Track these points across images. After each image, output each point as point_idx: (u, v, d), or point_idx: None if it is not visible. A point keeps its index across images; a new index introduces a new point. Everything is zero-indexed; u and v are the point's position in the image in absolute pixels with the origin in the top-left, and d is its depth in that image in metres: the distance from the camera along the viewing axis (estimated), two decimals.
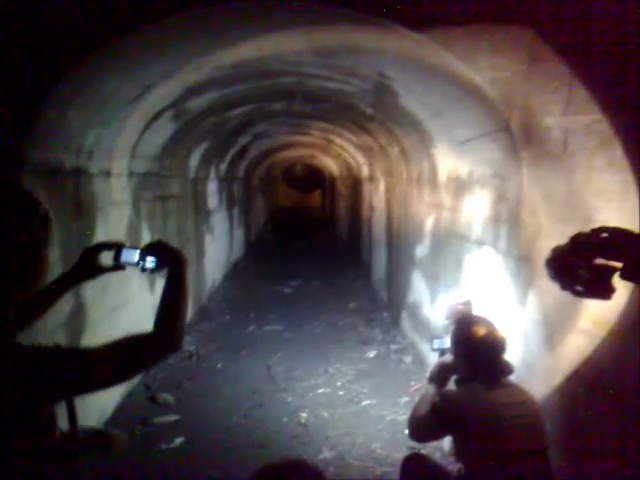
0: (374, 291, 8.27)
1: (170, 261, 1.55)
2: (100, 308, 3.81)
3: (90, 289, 3.59)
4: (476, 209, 3.75)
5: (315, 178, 23.05)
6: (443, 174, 4.56)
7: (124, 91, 3.46)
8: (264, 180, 16.91)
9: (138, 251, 1.63)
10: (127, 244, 1.68)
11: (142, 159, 4.66)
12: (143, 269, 1.62)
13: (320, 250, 12.68)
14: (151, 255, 1.60)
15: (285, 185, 24.72)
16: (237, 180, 10.92)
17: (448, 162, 4.36)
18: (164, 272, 1.59)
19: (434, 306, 4.85)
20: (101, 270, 1.69)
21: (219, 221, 8.87)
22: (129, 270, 1.68)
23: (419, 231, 5.40)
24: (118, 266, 1.66)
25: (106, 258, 1.67)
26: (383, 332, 6.39)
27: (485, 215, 3.56)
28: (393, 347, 5.85)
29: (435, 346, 2.62)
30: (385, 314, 7.09)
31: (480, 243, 3.66)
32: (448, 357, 2.45)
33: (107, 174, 3.92)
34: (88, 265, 1.66)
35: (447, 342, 2.51)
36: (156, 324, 1.47)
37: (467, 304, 2.84)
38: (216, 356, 5.59)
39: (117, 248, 1.66)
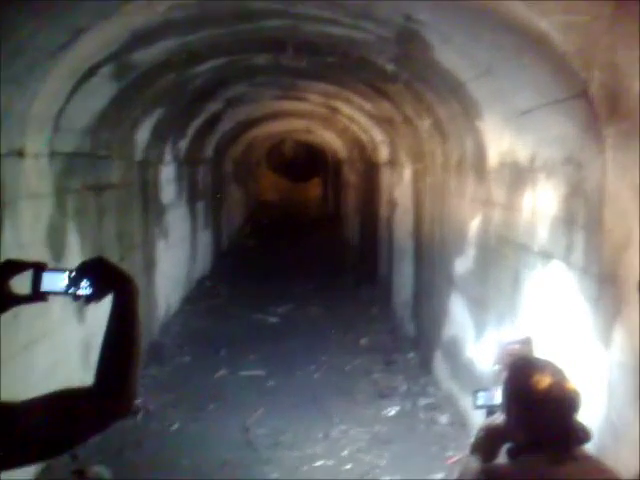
0: (396, 321, 8.28)
1: (115, 288, 1.56)
2: (9, 344, 3.79)
3: None
4: (540, 208, 3.76)
5: (313, 161, 23.17)
6: (494, 158, 4.58)
7: (44, 37, 3.46)
8: (242, 164, 16.98)
9: (66, 274, 1.62)
10: (50, 264, 1.67)
11: (69, 133, 4.67)
12: (75, 297, 1.62)
13: (320, 262, 12.71)
14: (87, 278, 1.60)
15: (271, 171, 24.83)
16: (203, 163, 10.96)
17: (501, 141, 4.38)
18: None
19: (481, 344, 4.85)
20: (12, 301, 1.67)
21: (177, 221, 8.89)
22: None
23: (460, 237, 5.41)
24: (38, 296, 1.65)
25: (21, 283, 1.67)
26: (408, 380, 6.39)
27: (553, 216, 3.56)
28: (422, 401, 5.86)
29: (480, 402, 2.61)
30: (411, 354, 7.09)
31: (546, 255, 3.67)
32: (498, 418, 2.44)
33: (19, 154, 3.93)
34: None
35: (497, 397, 2.50)
36: (97, 377, 1.47)
37: (526, 343, 2.83)
38: (171, 413, 5.59)
39: (36, 270, 1.64)
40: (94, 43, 3.94)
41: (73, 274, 1.62)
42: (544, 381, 2.20)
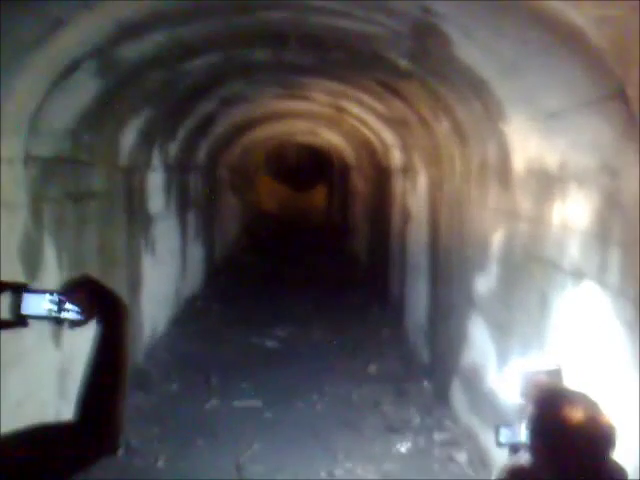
0: (408, 346, 8.27)
1: (103, 311, 1.57)
2: None
3: None
4: (571, 220, 3.75)
5: (317, 167, 23.21)
6: (519, 164, 4.58)
7: (21, 29, 3.48)
8: (238, 170, 17.01)
9: (47, 296, 1.62)
10: (24, 281, 1.67)
11: (47, 136, 4.68)
12: (59, 321, 1.62)
13: (324, 279, 12.71)
14: (72, 300, 1.60)
15: (270, 178, 24.86)
16: (195, 170, 10.98)
17: (527, 146, 4.38)
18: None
19: (504, 373, 4.82)
20: None
21: (166, 233, 8.89)
22: None
23: (481, 252, 5.40)
24: (18, 320, 1.64)
25: None
26: (422, 412, 6.38)
27: (585, 231, 3.56)
28: (438, 437, 5.84)
29: (503, 439, 2.59)
30: (425, 383, 7.08)
31: (577, 274, 3.65)
32: (523, 456, 2.42)
33: None
34: None
35: (522, 433, 2.49)
36: (79, 410, 1.47)
37: (555, 373, 2.81)
38: (156, 447, 5.59)
39: (16, 292, 1.64)
40: (76, 35, 3.96)
41: (57, 295, 1.62)
42: (575, 415, 2.18)
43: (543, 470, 2.28)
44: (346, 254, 15.70)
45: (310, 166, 23.82)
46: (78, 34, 3.96)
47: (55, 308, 1.62)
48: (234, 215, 17.19)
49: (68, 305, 1.61)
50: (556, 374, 2.80)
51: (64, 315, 1.61)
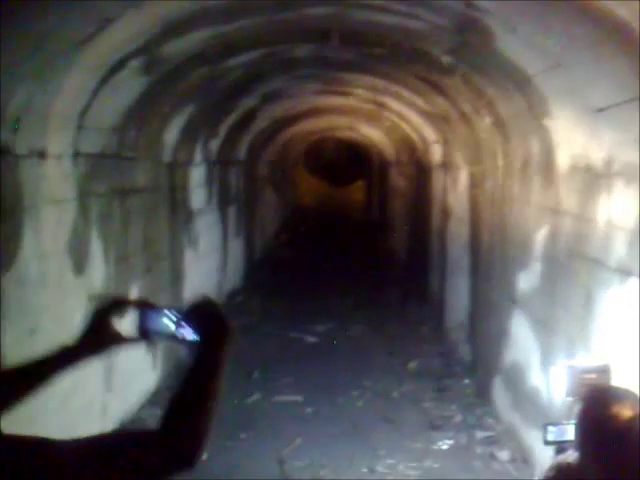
0: (448, 343, 8.22)
1: (215, 336, 1.62)
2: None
3: (11, 331, 3.66)
4: (617, 218, 3.71)
5: (356, 163, 23.18)
6: (564, 160, 4.53)
7: (70, 28, 3.54)
8: (277, 166, 17.07)
9: (168, 314, 1.69)
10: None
11: (94, 132, 4.76)
12: (175, 339, 1.68)
13: (363, 275, 12.68)
14: (192, 321, 1.66)
15: (309, 173, 24.91)
16: (235, 165, 11.05)
17: (572, 142, 4.33)
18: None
19: (548, 371, 4.78)
20: (117, 341, 1.77)
21: (207, 228, 8.97)
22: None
23: (523, 250, 5.36)
24: (143, 336, 1.73)
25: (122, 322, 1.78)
26: (463, 410, 6.34)
27: (633, 228, 3.51)
28: (479, 434, 5.81)
29: (551, 437, 2.57)
30: (466, 380, 7.04)
31: (623, 272, 3.61)
32: (571, 456, 2.41)
33: (41, 155, 4.01)
34: (99, 334, 1.73)
35: (570, 432, 2.47)
36: (165, 422, 1.49)
37: (604, 371, 2.79)
38: None
39: (142, 310, 1.73)
40: (123, 34, 4.02)
41: (176, 314, 1.68)
42: (624, 414, 2.16)
43: (590, 469, 2.27)
44: (385, 251, 15.65)
45: (349, 162, 23.82)
46: (125, 32, 4.02)
47: (173, 326, 1.68)
48: (273, 210, 17.27)
49: (186, 326, 1.66)
50: (604, 372, 2.77)
51: (186, 335, 1.67)
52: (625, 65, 3.19)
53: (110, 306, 1.75)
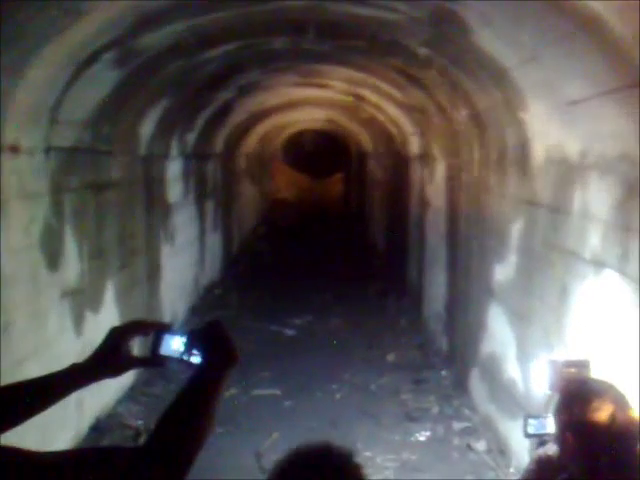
0: (426, 335, 8.27)
1: (217, 359, 1.62)
2: None
3: None
4: (592, 210, 3.74)
5: (335, 155, 23.16)
6: (539, 153, 4.56)
7: (43, 21, 3.50)
8: (255, 158, 17.02)
9: (184, 340, 1.70)
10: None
11: (67, 126, 4.71)
12: (187, 364, 1.68)
13: (342, 268, 12.70)
14: (201, 345, 1.67)
15: (288, 166, 24.85)
16: (212, 158, 11.00)
17: (547, 134, 4.35)
18: None
19: (524, 363, 4.82)
20: (131, 364, 1.77)
21: (184, 222, 8.93)
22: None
23: (500, 241, 5.38)
24: (157, 360, 1.74)
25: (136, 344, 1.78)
26: (441, 401, 6.38)
27: (607, 220, 3.54)
28: (457, 426, 5.84)
29: (531, 430, 2.58)
30: (444, 372, 7.08)
31: (598, 264, 3.64)
32: (551, 448, 2.42)
33: (13, 150, 3.97)
34: (114, 355, 1.73)
35: (550, 425, 2.48)
36: (156, 436, 1.47)
37: (584, 365, 2.80)
38: None
39: (158, 333, 1.73)
40: (96, 27, 3.97)
41: (187, 337, 1.69)
42: (604, 408, 2.18)
43: (571, 462, 2.28)
44: (363, 242, 15.68)
45: (327, 154, 23.78)
46: (98, 25, 3.97)
47: (183, 350, 1.69)
48: (251, 203, 17.22)
49: (195, 349, 1.67)
50: (585, 367, 2.79)
51: (192, 359, 1.67)
52: (598, 59, 3.21)
53: (126, 328, 1.76)
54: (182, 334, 1.70)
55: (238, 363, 1.62)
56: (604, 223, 3.58)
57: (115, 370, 1.74)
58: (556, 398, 2.53)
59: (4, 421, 1.62)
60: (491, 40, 4.19)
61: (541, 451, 2.52)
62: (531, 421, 2.62)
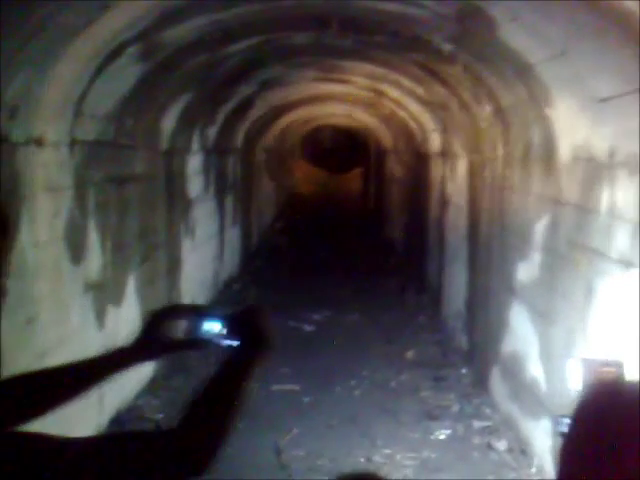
0: (446, 332, 8.23)
1: (250, 345, 1.64)
2: (22, 352, 3.85)
3: (7, 321, 3.64)
4: (620, 209, 3.70)
5: (353, 151, 23.16)
6: (565, 150, 4.52)
7: (68, 15, 3.51)
8: (274, 153, 17.03)
9: (221, 324, 1.72)
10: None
11: (91, 120, 4.72)
12: (220, 346, 1.72)
13: (360, 264, 12.68)
14: (239, 328, 1.69)
15: (306, 161, 24.87)
16: (233, 153, 11.01)
17: (574, 132, 4.31)
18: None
19: (547, 362, 4.78)
20: (172, 347, 1.80)
21: (204, 217, 8.95)
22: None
23: (523, 240, 5.35)
24: (197, 343, 1.77)
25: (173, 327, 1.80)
26: (461, 399, 6.35)
27: (635, 219, 3.50)
28: (477, 424, 5.81)
29: (565, 428, 2.56)
30: (464, 370, 7.05)
31: (625, 263, 3.60)
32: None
33: (37, 143, 3.98)
34: (154, 337, 1.76)
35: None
36: (184, 422, 1.47)
37: (617, 366, 2.78)
38: None
39: (198, 316, 1.75)
40: (121, 21, 3.98)
41: (224, 321, 1.72)
42: (634, 407, 2.15)
43: (594, 462, 2.25)
44: (381, 239, 15.64)
45: (346, 150, 23.78)
46: (124, 19, 3.99)
47: (220, 333, 1.72)
48: (270, 198, 17.24)
49: (230, 330, 1.70)
50: (619, 367, 2.75)
51: (226, 341, 1.70)
52: (630, 55, 3.17)
53: (165, 311, 1.80)
54: (219, 318, 1.72)
55: (273, 349, 1.63)
56: (632, 222, 3.54)
57: (154, 353, 1.78)
58: (589, 397, 2.50)
59: (40, 406, 1.65)
60: (518, 35, 4.16)
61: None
62: (564, 420, 2.59)
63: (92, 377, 1.75)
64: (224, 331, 1.70)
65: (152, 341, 1.76)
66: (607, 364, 2.73)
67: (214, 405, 1.52)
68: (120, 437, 1.52)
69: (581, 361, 2.79)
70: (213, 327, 1.72)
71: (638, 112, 3.35)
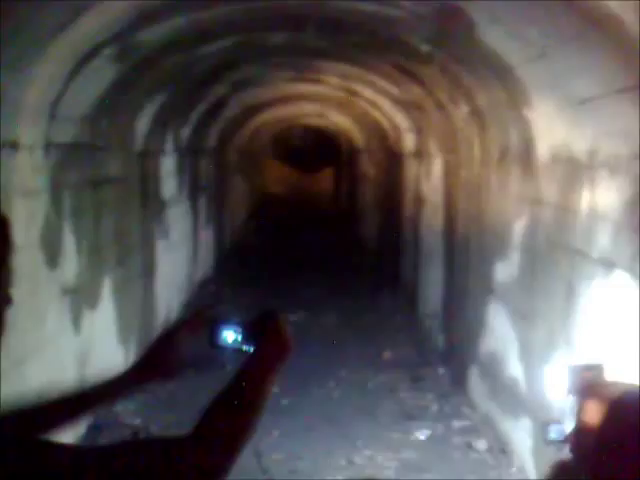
0: (422, 332, 8.24)
1: (269, 350, 1.61)
2: None
3: None
4: (601, 209, 3.71)
5: (325, 150, 23.11)
6: (544, 151, 4.53)
7: (44, 17, 3.44)
8: (247, 153, 16.96)
9: (240, 330, 1.70)
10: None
11: (67, 122, 4.65)
12: (239, 353, 1.69)
13: (333, 263, 12.68)
14: (251, 333, 1.67)
15: (278, 161, 24.80)
16: (206, 153, 10.94)
17: (553, 133, 4.33)
18: None
19: (527, 363, 4.80)
20: (187, 365, 1.78)
21: (178, 218, 8.87)
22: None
23: (501, 240, 5.36)
24: (213, 355, 1.75)
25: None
26: (439, 399, 6.37)
27: (617, 219, 3.52)
28: (456, 424, 5.83)
29: (553, 435, 2.55)
30: (442, 370, 7.06)
31: (607, 264, 3.62)
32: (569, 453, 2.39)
33: (12, 146, 3.90)
34: (169, 357, 1.73)
35: (570, 430, 2.45)
36: (204, 423, 1.43)
37: (597, 369, 2.77)
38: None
39: (212, 325, 1.73)
40: (97, 21, 3.92)
41: (242, 328, 1.70)
42: (626, 411, 2.15)
43: (589, 466, 2.25)
44: (354, 239, 15.65)
45: (318, 149, 23.75)
46: (99, 20, 3.92)
47: (239, 340, 1.70)
48: (242, 198, 17.18)
49: (250, 338, 1.68)
50: (599, 371, 2.76)
51: (245, 347, 1.68)
52: (611, 57, 3.19)
53: (180, 327, 1.77)
54: (237, 325, 1.70)
55: (292, 354, 1.60)
56: (614, 223, 3.56)
57: (169, 372, 1.74)
58: (577, 403, 2.50)
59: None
60: (497, 37, 4.16)
61: (564, 457, 2.49)
62: (552, 427, 2.58)
63: (108, 396, 1.73)
64: (244, 338, 1.68)
65: (170, 359, 1.72)
66: (589, 368, 2.74)
67: (234, 411, 1.48)
68: (135, 446, 1.48)
69: (567, 367, 2.79)
70: (232, 335, 1.70)
71: (619, 113, 3.37)
